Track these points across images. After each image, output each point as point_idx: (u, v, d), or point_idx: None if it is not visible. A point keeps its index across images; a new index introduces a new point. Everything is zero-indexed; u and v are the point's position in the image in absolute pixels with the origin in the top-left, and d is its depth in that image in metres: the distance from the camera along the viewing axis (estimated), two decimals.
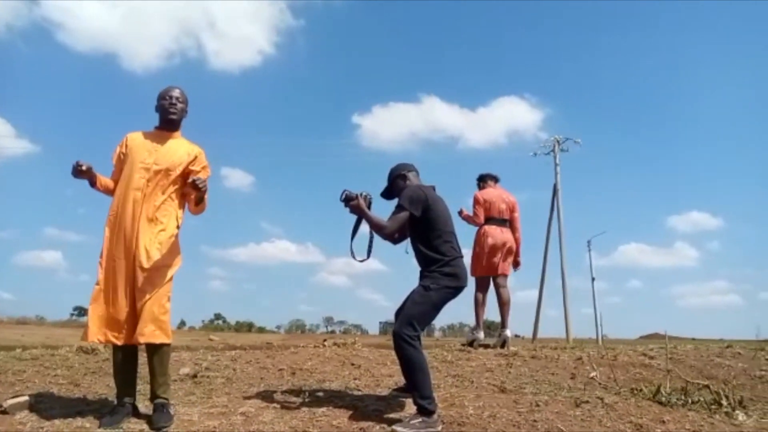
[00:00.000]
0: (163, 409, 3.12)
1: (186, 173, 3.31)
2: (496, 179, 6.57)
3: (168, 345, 3.20)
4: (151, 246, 3.16)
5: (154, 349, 3.17)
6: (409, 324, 3.09)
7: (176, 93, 3.39)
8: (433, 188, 3.49)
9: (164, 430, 2.95)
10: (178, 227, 3.33)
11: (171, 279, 3.22)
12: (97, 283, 3.16)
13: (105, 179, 3.36)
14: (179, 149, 3.35)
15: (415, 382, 3.06)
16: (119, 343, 3.13)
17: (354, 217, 3.42)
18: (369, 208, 3.38)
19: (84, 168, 3.21)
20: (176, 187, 3.32)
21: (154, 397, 3.18)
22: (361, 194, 3.36)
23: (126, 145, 3.36)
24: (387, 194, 3.58)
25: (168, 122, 3.40)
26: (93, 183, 3.32)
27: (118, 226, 3.19)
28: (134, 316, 3.11)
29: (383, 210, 3.40)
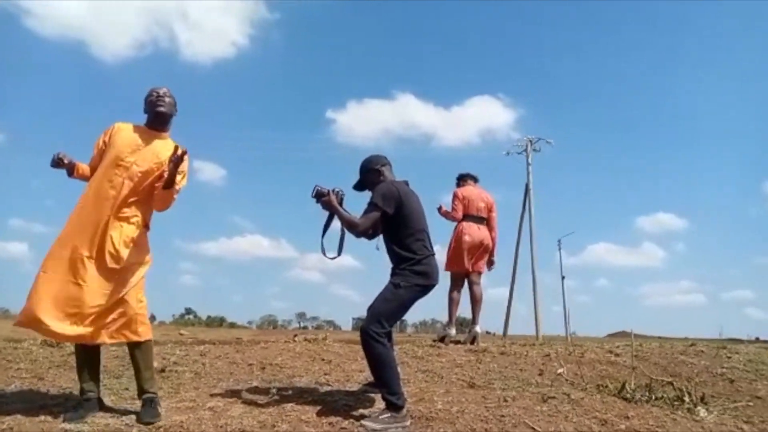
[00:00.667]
0: (151, 404, 3.06)
1: (162, 174, 3.22)
2: (475, 179, 6.65)
3: (150, 339, 3.16)
4: (120, 244, 3.09)
5: (136, 345, 3.11)
6: (377, 321, 3.09)
7: (163, 90, 3.32)
8: (406, 183, 3.46)
9: (152, 425, 2.89)
10: (148, 226, 3.28)
11: (143, 276, 3.17)
12: (45, 271, 3.05)
13: (83, 167, 3.30)
14: (163, 151, 3.24)
15: (383, 378, 3.06)
16: (83, 341, 3.06)
17: (326, 214, 3.36)
18: (341, 204, 3.33)
19: (66, 161, 3.20)
20: (151, 187, 3.23)
21: (141, 392, 3.12)
22: (333, 190, 3.30)
23: (110, 136, 3.27)
24: (359, 187, 3.53)
25: (157, 117, 3.29)
26: (71, 172, 3.26)
27: (86, 218, 3.11)
28: (100, 314, 3.03)
29: (356, 205, 3.38)
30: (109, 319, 3.04)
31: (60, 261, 3.04)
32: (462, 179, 6.65)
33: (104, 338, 3.05)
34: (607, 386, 3.88)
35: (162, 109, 3.28)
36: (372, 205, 3.25)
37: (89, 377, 3.16)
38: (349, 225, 3.28)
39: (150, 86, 3.33)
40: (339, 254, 3.45)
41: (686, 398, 3.59)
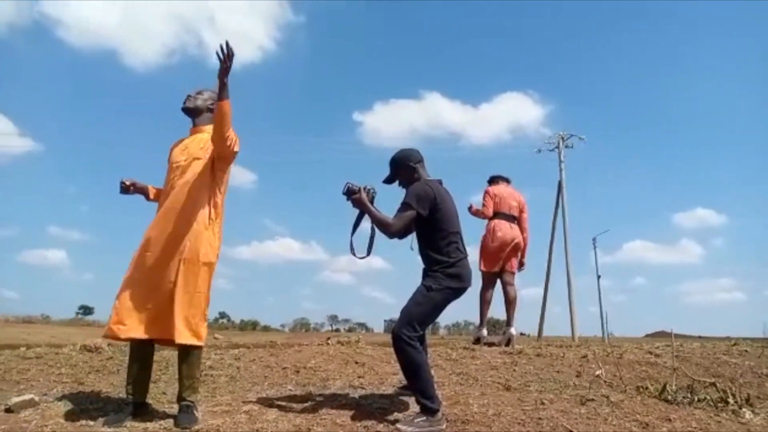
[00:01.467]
0: (188, 410, 3.07)
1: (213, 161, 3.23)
2: (507, 180, 6.61)
3: (199, 348, 3.18)
4: (183, 241, 3.11)
5: (185, 351, 3.14)
6: (409, 324, 3.03)
7: (192, 91, 3.40)
8: (440, 182, 3.39)
9: (188, 430, 2.91)
10: (213, 220, 3.25)
11: (208, 277, 3.17)
12: (126, 277, 3.14)
13: (157, 188, 3.41)
14: (191, 144, 3.31)
15: (416, 381, 3.02)
16: (143, 336, 3.08)
17: (356, 212, 3.30)
18: (372, 202, 3.27)
19: (128, 183, 3.30)
20: (208, 179, 3.23)
21: (179, 399, 3.14)
22: (364, 188, 3.24)
23: (170, 149, 3.38)
24: (389, 180, 3.44)
25: (186, 115, 3.39)
26: (147, 196, 3.39)
27: (155, 223, 3.19)
28: (165, 312, 3.07)
29: (388, 203, 3.33)
30: (163, 316, 3.07)
31: (137, 264, 3.14)
32: (494, 180, 6.60)
33: (155, 334, 3.08)
34: (647, 388, 3.78)
35: (183, 106, 3.36)
36: (405, 205, 3.18)
37: (137, 381, 3.20)
38: (380, 224, 3.21)
39: (183, 92, 3.43)
40: (368, 254, 3.38)
41: (730, 400, 3.47)
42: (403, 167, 3.39)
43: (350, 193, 3.25)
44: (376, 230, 3.30)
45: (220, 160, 3.23)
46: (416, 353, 3.01)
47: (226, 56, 2.98)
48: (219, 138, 3.11)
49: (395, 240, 3.32)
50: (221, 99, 3.04)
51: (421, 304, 3.11)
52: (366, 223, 3.33)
